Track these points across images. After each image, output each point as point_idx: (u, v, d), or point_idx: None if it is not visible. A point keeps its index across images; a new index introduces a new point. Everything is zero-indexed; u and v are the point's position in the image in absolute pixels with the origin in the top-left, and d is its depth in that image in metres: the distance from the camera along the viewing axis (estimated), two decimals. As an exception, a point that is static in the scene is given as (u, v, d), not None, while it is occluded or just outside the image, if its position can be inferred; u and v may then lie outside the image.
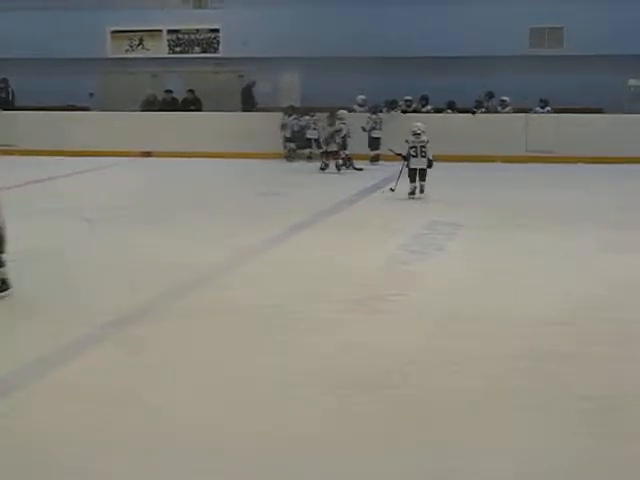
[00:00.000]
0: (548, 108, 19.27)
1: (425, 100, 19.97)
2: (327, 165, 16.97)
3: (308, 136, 18.71)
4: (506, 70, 20.23)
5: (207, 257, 9.01)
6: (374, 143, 18.31)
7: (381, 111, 18.88)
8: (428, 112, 19.19)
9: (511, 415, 4.93)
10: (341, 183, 15.37)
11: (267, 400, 5.12)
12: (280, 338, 6.28)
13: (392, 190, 13.31)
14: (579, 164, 17.44)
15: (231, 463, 4.32)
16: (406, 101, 19.82)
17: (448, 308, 7.07)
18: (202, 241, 9.85)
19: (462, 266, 8.70)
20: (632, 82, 20.08)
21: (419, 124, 13.40)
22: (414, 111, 19.55)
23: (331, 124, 16.87)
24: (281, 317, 6.81)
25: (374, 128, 18.41)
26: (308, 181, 15.82)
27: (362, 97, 19.77)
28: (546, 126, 18.49)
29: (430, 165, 13.08)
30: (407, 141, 13.26)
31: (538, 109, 19.28)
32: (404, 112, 19.51)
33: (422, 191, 13.14)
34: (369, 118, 18.49)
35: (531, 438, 4.59)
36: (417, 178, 13.12)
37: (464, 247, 9.71)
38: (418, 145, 13.11)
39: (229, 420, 4.83)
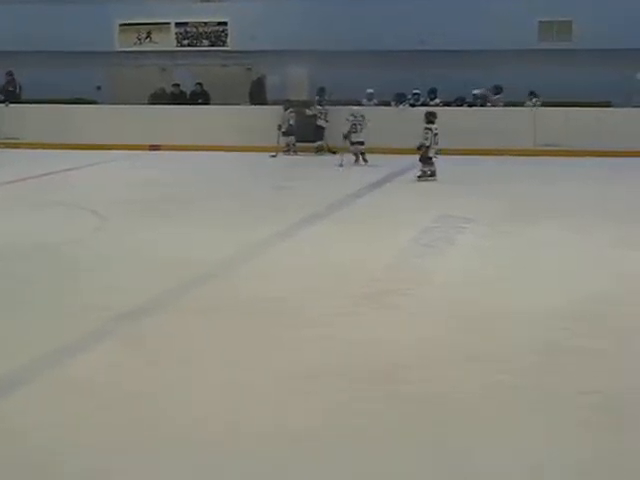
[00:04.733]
0: (535, 99, 19.25)
1: (433, 93, 19.89)
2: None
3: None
4: (515, 64, 20.14)
5: (216, 251, 8.99)
6: (319, 133, 18.73)
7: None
8: (437, 105, 19.12)
9: (523, 410, 4.92)
10: (347, 177, 15.34)
11: (275, 396, 5.10)
12: (289, 333, 6.26)
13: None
14: (587, 158, 17.35)
15: (237, 461, 4.30)
16: (414, 94, 19.77)
17: (459, 303, 7.05)
18: (211, 235, 9.83)
19: (472, 260, 8.67)
20: (640, 76, 19.98)
21: (356, 108, 17.62)
22: (422, 104, 19.49)
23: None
24: (290, 312, 6.79)
25: (319, 117, 18.86)
26: (315, 175, 15.79)
27: (370, 90, 19.80)
28: (554, 120, 18.44)
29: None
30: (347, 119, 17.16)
31: (528, 103, 19.27)
32: (412, 106, 19.48)
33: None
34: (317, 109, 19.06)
35: (543, 433, 4.58)
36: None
37: (474, 241, 9.68)
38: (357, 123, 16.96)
39: (235, 417, 4.81)
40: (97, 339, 6.18)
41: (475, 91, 19.62)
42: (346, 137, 17.18)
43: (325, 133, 18.84)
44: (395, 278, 7.87)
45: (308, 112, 19.01)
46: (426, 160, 14.72)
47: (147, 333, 6.34)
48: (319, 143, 18.86)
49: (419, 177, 14.64)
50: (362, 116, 17.23)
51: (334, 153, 17.95)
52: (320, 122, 18.87)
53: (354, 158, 17.02)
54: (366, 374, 5.41)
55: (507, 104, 19.37)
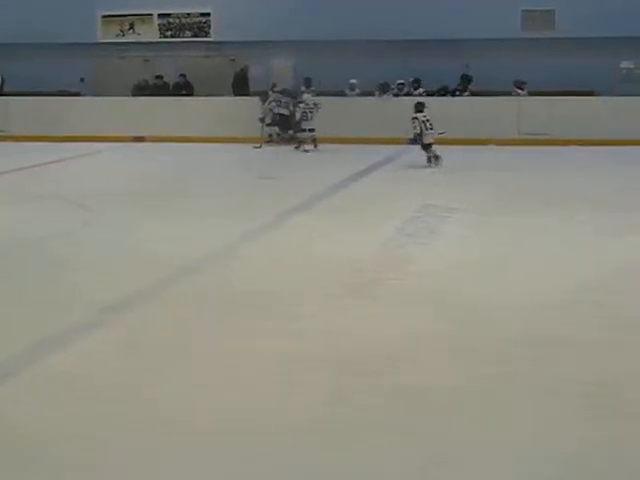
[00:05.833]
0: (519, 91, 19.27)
1: (417, 83, 19.90)
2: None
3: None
4: (498, 53, 20.16)
5: (202, 244, 8.96)
6: (283, 122, 18.89)
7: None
8: (420, 95, 19.12)
9: (510, 400, 4.93)
10: (332, 167, 15.34)
11: (263, 388, 5.10)
12: (275, 324, 6.25)
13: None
14: (571, 146, 17.40)
15: (228, 453, 4.30)
16: (398, 84, 19.77)
17: (445, 293, 7.05)
18: (197, 227, 9.81)
19: (458, 250, 8.69)
20: (624, 64, 19.97)
21: (307, 96, 18.24)
22: (406, 94, 19.51)
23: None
24: (276, 303, 6.79)
25: (278, 106, 18.96)
26: (300, 165, 15.80)
27: (353, 81, 19.80)
28: (538, 109, 18.46)
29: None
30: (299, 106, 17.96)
31: (519, 91, 19.27)
32: (396, 95, 19.50)
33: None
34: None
35: (530, 424, 4.59)
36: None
37: (459, 231, 9.69)
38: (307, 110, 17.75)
39: (225, 409, 4.81)
40: (86, 332, 6.16)
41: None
42: (298, 124, 17.93)
43: (289, 122, 18.74)
44: (381, 269, 7.87)
45: (271, 96, 19.07)
46: (425, 147, 15.11)
47: (138, 327, 6.32)
48: (278, 133, 18.93)
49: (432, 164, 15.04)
50: (315, 104, 17.72)
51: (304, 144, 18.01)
52: (282, 110, 18.81)
53: (296, 144, 17.82)
54: (351, 365, 5.40)
55: (491, 93, 19.36)
